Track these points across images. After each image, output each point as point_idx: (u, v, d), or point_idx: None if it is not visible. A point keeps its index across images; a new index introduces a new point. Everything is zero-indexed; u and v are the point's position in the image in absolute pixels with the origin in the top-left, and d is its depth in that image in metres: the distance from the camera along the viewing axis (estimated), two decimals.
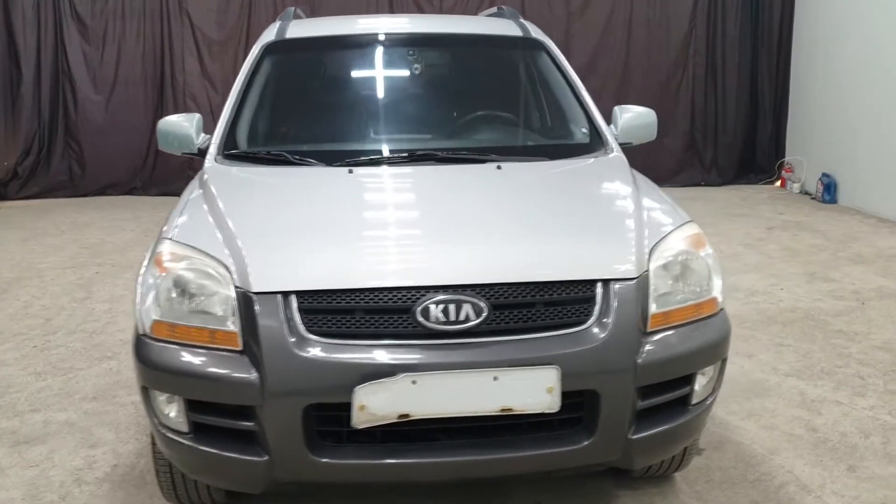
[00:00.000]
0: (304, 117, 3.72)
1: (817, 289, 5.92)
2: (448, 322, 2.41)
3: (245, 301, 2.44)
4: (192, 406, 2.50)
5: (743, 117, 10.49)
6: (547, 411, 2.43)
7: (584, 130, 3.64)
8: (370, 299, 2.43)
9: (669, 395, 2.64)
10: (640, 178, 3.30)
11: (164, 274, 2.56)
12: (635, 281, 2.55)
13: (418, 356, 2.39)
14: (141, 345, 2.56)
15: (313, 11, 9.73)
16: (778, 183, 10.31)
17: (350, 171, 3.21)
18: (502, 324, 2.45)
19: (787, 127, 10.39)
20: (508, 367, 2.40)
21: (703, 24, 10.23)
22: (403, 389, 2.36)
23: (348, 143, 3.63)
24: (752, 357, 4.62)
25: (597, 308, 2.49)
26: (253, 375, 2.39)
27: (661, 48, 10.22)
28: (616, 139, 3.71)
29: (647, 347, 2.53)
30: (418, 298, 2.42)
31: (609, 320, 2.48)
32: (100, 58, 9.80)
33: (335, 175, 3.19)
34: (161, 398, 2.54)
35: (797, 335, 4.95)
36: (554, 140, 3.72)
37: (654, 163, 10.00)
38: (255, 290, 2.44)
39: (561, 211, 2.98)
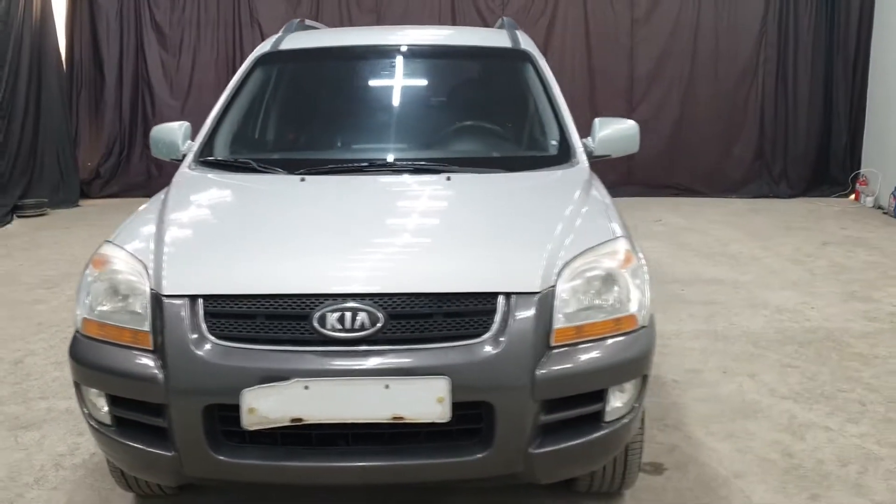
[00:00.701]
0: (279, 126, 3.86)
1: (851, 309, 5.69)
2: (344, 330, 2.47)
3: (157, 303, 2.56)
4: (114, 401, 2.64)
5: (816, 127, 10.11)
6: (437, 421, 2.45)
7: (555, 142, 3.63)
8: (271, 305, 2.52)
9: (578, 410, 2.62)
10: (597, 192, 3.27)
11: (96, 273, 2.71)
12: (538, 296, 2.54)
13: (312, 362, 2.46)
14: (74, 341, 2.72)
15: (379, 19, 9.93)
16: (852, 196, 9.90)
17: (303, 180, 3.30)
18: (398, 333, 2.49)
19: (864, 137, 9.96)
20: (399, 377, 2.44)
21: (774, 30, 9.93)
22: (296, 394, 2.43)
23: (315, 151, 3.75)
24: (754, 377, 4.49)
25: (495, 321, 2.50)
26: (160, 374, 2.50)
27: (729, 55, 9.98)
28: (591, 151, 3.68)
29: (549, 362, 2.52)
30: (316, 306, 2.49)
31: (506, 334, 2.48)
32: (176, 65, 10.27)
33: (287, 183, 3.30)
34: (92, 392, 2.69)
35: (810, 356, 4.78)
36: (522, 151, 3.72)
37: (720, 173, 9.80)
38: (165, 292, 2.57)
39: (483, 224, 2.99)
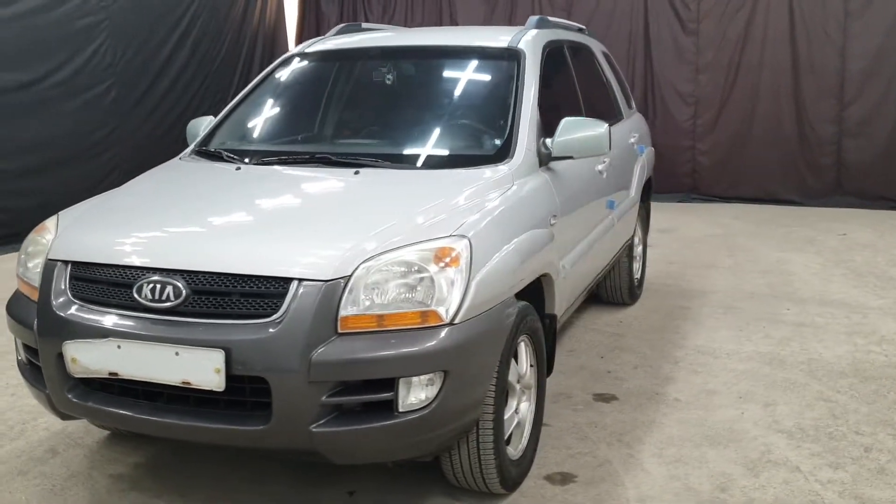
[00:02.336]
0: (265, 121, 4.20)
1: None
2: (154, 300, 2.79)
3: (46, 265, 3.06)
4: (25, 347, 3.19)
5: None
6: (214, 389, 2.69)
7: (499, 142, 3.65)
8: (109, 274, 2.91)
9: (364, 396, 2.72)
10: (499, 193, 3.27)
11: (33, 238, 3.28)
12: (326, 284, 2.68)
13: (126, 325, 2.81)
14: (11, 297, 3.31)
15: (570, 17, 9.95)
16: None
17: (238, 169, 3.64)
18: (199, 307, 2.76)
19: None
20: (188, 346, 2.71)
21: None
22: (110, 351, 2.80)
23: (275, 144, 4.06)
24: (768, 406, 4.12)
25: (284, 305, 2.69)
26: (35, 324, 3.00)
27: None
28: (549, 152, 3.66)
29: (331, 347, 2.66)
30: (138, 277, 2.84)
31: (287, 317, 2.66)
32: None
33: (222, 172, 3.65)
34: (17, 340, 3.27)
35: (861, 393, 4.26)
36: (458, 150, 3.72)
37: None
38: (49, 256, 3.05)
39: (318, 214, 3.15)
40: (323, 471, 3.44)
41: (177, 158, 3.96)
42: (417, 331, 2.72)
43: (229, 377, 2.68)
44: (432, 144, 3.83)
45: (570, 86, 4.55)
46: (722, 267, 6.88)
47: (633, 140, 5.39)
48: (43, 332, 2.94)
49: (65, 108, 8.22)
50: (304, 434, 2.68)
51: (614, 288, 5.62)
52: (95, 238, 3.07)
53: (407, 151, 3.78)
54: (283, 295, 2.68)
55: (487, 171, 3.43)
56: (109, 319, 2.84)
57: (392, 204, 3.20)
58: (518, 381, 3.34)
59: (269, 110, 4.25)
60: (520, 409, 3.38)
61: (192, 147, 4.06)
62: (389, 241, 2.81)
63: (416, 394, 2.74)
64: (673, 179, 10.01)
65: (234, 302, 2.73)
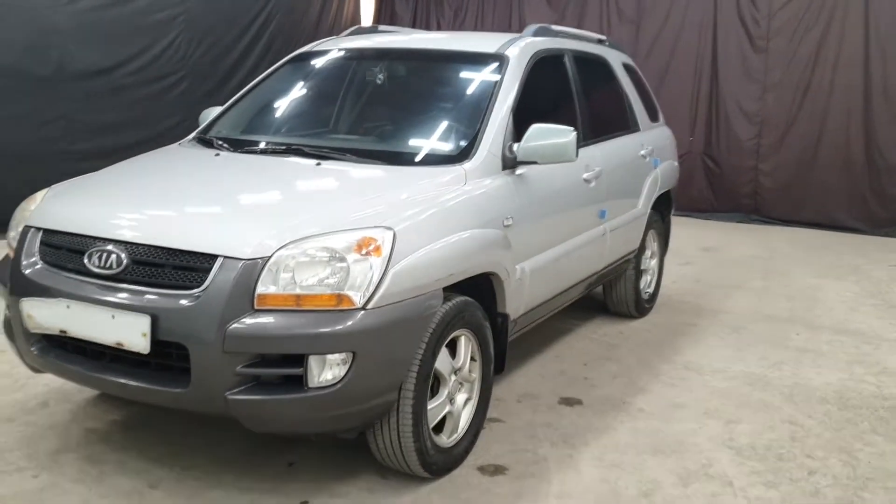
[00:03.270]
0: (259, 113, 4.49)
1: None
2: (99, 267, 3.09)
3: (23, 231, 3.41)
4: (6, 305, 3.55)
5: None
6: (141, 351, 2.96)
7: (463, 143, 3.81)
8: (69, 242, 3.22)
9: (274, 369, 2.94)
10: (441, 192, 3.43)
11: (22, 207, 3.63)
12: (245, 262, 2.91)
13: (76, 288, 3.11)
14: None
15: (638, 30, 9.98)
16: None
17: (217, 155, 3.93)
18: (137, 276, 3.04)
19: None
20: (122, 310, 2.99)
21: None
22: (60, 311, 3.11)
23: (261, 134, 4.32)
24: (729, 423, 4.14)
25: (208, 278, 2.94)
26: (8, 284, 3.34)
27: None
28: (514, 157, 3.82)
29: (244, 320, 2.89)
30: (89, 246, 3.14)
31: (209, 290, 2.91)
32: None
33: (202, 157, 3.95)
34: None
35: (833, 419, 4.21)
36: (426, 149, 3.90)
37: None
38: (27, 223, 3.40)
39: (258, 200, 3.43)
40: (269, 443, 3.67)
41: (176, 143, 4.27)
42: (330, 313, 2.92)
43: (156, 342, 2.94)
44: (399, 142, 4.04)
45: (565, 95, 4.65)
46: (749, 289, 6.81)
47: (643, 152, 5.43)
48: (13, 290, 3.27)
49: (137, 95, 8.77)
50: (220, 400, 2.91)
51: (619, 300, 5.67)
52: (64, 209, 3.39)
53: (373, 147, 4.01)
54: (208, 270, 2.92)
55: (442, 171, 3.60)
56: (62, 282, 3.15)
57: (336, 194, 3.43)
58: (454, 373, 3.48)
59: (266, 104, 4.54)
60: (455, 400, 3.52)
61: (194, 133, 4.36)
62: (316, 227, 3.01)
63: (326, 372, 2.93)
64: (734, 199, 9.89)
65: (166, 273, 2.99)
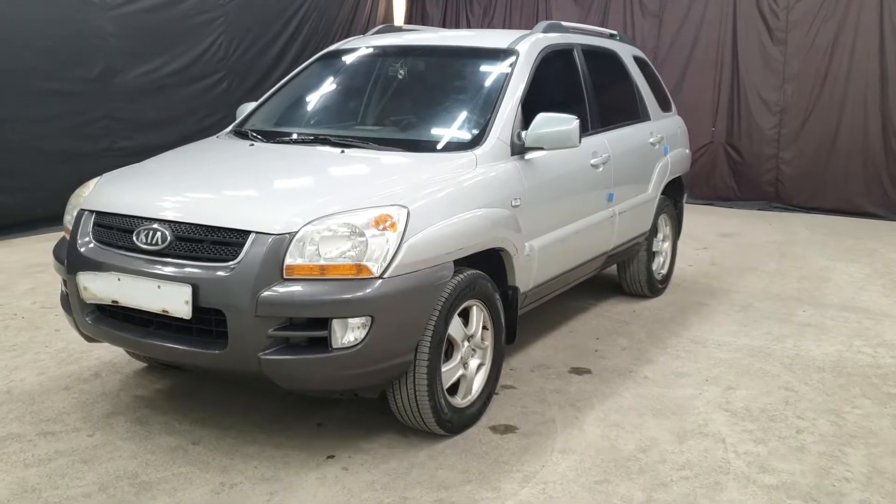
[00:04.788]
0: (290, 107, 4.86)
1: None
2: (146, 243, 3.48)
3: (78, 214, 3.81)
4: (63, 281, 3.94)
5: None
6: (184, 317, 3.35)
7: (476, 131, 4.16)
8: (119, 222, 3.62)
9: (302, 332, 3.30)
10: (453, 175, 3.77)
11: (74, 192, 4.05)
12: (274, 237, 3.28)
13: (126, 262, 3.50)
14: (57, 243, 4.07)
15: (661, 24, 10.22)
16: None
17: (251, 145, 4.32)
18: (180, 251, 3.43)
19: None
20: (167, 281, 3.38)
21: None
22: (112, 282, 3.50)
23: (292, 126, 4.69)
24: (728, 389, 4.43)
25: (243, 252, 3.31)
26: (66, 261, 3.75)
27: None
28: (522, 143, 4.15)
29: (274, 288, 3.25)
30: (138, 225, 3.54)
31: (243, 261, 3.29)
32: None
33: (238, 146, 4.33)
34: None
35: (827, 386, 4.47)
36: (439, 136, 4.25)
37: None
38: (81, 207, 3.81)
39: (287, 183, 3.80)
40: (299, 407, 4.04)
41: (215, 136, 4.66)
42: (351, 281, 3.27)
43: (197, 308, 3.31)
44: (416, 131, 4.41)
45: (574, 86, 4.97)
46: (762, 271, 7.05)
47: (653, 140, 5.72)
48: (70, 267, 3.67)
49: (180, 94, 9.22)
50: (254, 360, 3.28)
51: (633, 281, 5.96)
52: (115, 193, 3.79)
53: (393, 136, 4.38)
54: (242, 244, 3.29)
55: (455, 156, 3.94)
56: (114, 257, 3.54)
57: (357, 177, 3.80)
58: (467, 340, 3.82)
59: (296, 99, 4.92)
60: (468, 364, 3.86)
61: (231, 127, 4.75)
62: (338, 205, 3.37)
63: (348, 334, 3.29)
64: (755, 188, 10.09)
65: (205, 248, 3.37)
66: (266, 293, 3.22)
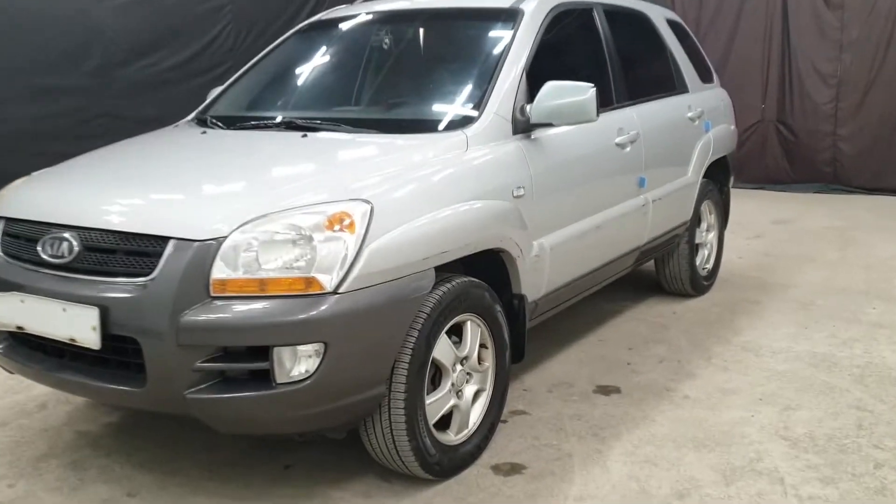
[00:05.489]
0: (257, 88, 4.19)
1: None
2: (52, 255, 2.82)
3: None
4: None
5: None
6: (92, 347, 2.68)
7: (470, 106, 3.45)
8: (27, 230, 2.97)
9: (235, 364, 2.62)
10: (422, 157, 3.08)
11: None
12: (199, 244, 2.60)
13: (30, 280, 2.85)
14: None
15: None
16: None
17: (203, 133, 3.65)
18: (87, 264, 2.76)
19: None
20: (71, 302, 2.71)
21: None
22: (15, 305, 2.86)
23: (258, 110, 4.04)
24: (786, 410, 3.66)
25: (160, 263, 2.63)
26: None
27: None
28: (527, 119, 3.43)
29: (200, 310, 2.57)
30: (43, 233, 2.87)
31: (160, 276, 2.61)
32: None
33: (188, 135, 3.67)
34: None
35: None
36: (425, 115, 3.54)
37: None
38: None
39: (234, 173, 3.09)
40: (267, 444, 3.37)
41: (173, 125, 4.00)
42: (296, 298, 2.58)
43: (109, 336, 2.64)
44: (398, 109, 3.70)
45: (594, 53, 4.22)
46: (823, 261, 6.22)
47: (692, 114, 4.93)
48: None
49: (181, 88, 8.59)
50: (180, 399, 2.61)
51: (673, 277, 5.20)
52: (27, 196, 3.15)
53: (370, 116, 3.70)
54: (160, 255, 2.61)
55: (440, 137, 3.24)
56: (18, 274, 2.89)
57: (313, 166, 3.10)
58: (460, 363, 3.11)
59: (268, 79, 4.27)
60: (462, 392, 3.15)
61: (193, 113, 4.09)
62: (282, 202, 2.68)
63: (297, 365, 2.61)
64: (810, 168, 9.22)
65: (118, 260, 2.70)
66: (188, 316, 2.54)
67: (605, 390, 3.91)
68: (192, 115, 4.09)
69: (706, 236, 5.42)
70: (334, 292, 2.60)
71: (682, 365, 4.19)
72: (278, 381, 2.60)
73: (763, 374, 4.06)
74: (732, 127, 5.63)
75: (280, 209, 2.66)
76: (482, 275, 3.19)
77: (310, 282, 2.59)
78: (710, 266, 5.48)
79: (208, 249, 2.58)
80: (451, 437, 3.13)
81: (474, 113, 3.37)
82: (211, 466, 3.27)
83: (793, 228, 7.41)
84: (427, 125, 3.39)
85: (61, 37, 7.67)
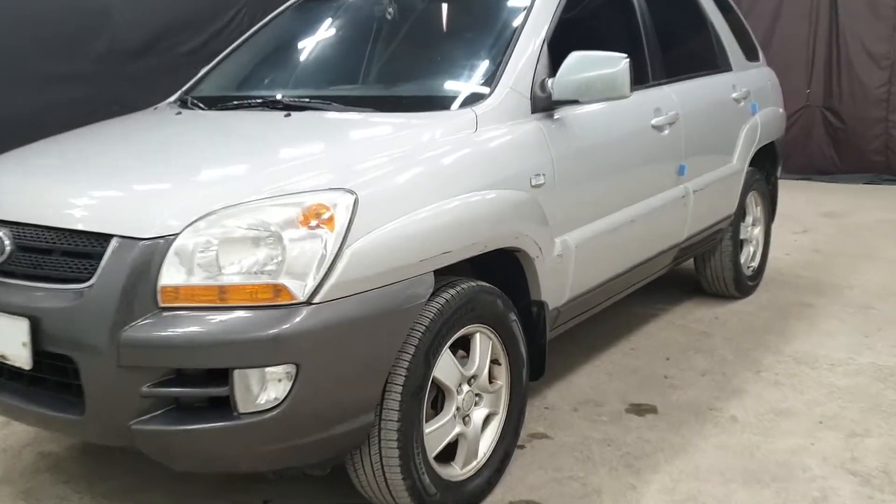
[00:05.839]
0: (247, 66, 3.74)
1: None
2: None
3: None
4: None
5: None
6: (23, 367, 2.24)
7: (478, 82, 2.98)
8: None
9: (191, 389, 2.16)
10: (422, 140, 2.61)
11: None
12: (145, 243, 2.15)
13: None
14: None
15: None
16: None
17: (178, 114, 3.21)
18: (21, 266, 2.33)
19: None
20: (1, 312, 2.27)
21: None
22: None
23: (246, 89, 3.60)
24: (854, 437, 3.14)
25: (100, 266, 2.18)
26: None
27: None
28: (548, 95, 2.94)
29: (145, 324, 2.12)
30: None
31: (100, 282, 2.16)
32: None
33: (161, 118, 3.24)
34: None
35: None
36: (429, 91, 3.07)
37: None
38: None
39: (199, 162, 2.62)
40: (239, 476, 2.91)
41: (152, 107, 3.56)
42: (263, 310, 2.12)
43: (43, 353, 2.19)
44: (399, 85, 3.24)
45: (628, 25, 3.72)
46: (880, 258, 5.65)
47: (737, 95, 4.41)
48: None
49: (194, 75, 8.17)
50: (124, 430, 2.16)
51: (715, 278, 4.68)
52: None
53: (365, 93, 3.23)
54: (101, 256, 2.15)
55: (445, 116, 2.76)
56: None
57: (291, 150, 2.63)
58: (467, 383, 2.62)
59: (256, 57, 3.81)
60: (470, 417, 2.66)
61: (177, 94, 3.65)
62: (247, 194, 2.21)
63: (264, 392, 2.14)
64: (860, 157, 8.63)
65: (54, 262, 2.26)
66: (131, 332, 2.07)
67: (638, 409, 3.41)
68: (176, 95, 3.63)
69: (752, 231, 4.91)
70: (308, 302, 2.13)
71: (728, 379, 3.68)
72: (242, 410, 2.14)
73: (822, 390, 3.53)
74: (781, 110, 5.12)
75: (244, 201, 2.19)
76: (494, 278, 2.70)
77: (278, 289, 2.13)
78: (755, 264, 4.95)
79: (156, 249, 2.12)
80: (457, 470, 2.66)
81: (485, 88, 2.89)
82: (183, 498, 2.82)
83: (844, 222, 6.83)
84: (429, 102, 2.92)
85: (66, 21, 7.28)
